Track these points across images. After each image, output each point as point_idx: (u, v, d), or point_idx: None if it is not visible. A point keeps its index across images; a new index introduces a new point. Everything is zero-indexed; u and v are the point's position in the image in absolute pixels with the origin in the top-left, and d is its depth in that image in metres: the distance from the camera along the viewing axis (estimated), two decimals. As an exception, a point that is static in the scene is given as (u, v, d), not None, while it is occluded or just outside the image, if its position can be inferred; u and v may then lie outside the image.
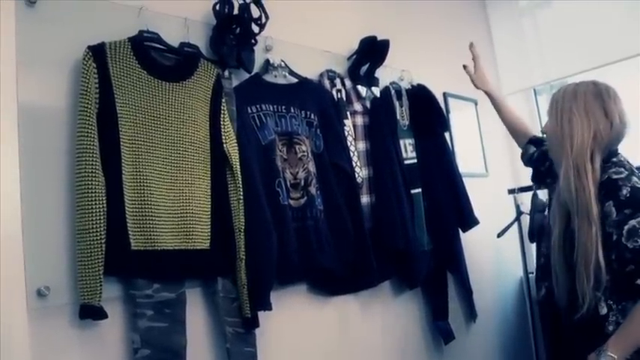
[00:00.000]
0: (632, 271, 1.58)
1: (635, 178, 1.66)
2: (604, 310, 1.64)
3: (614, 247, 1.59)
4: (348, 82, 2.44)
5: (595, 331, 1.64)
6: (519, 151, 2.28)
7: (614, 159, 1.71)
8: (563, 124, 1.72)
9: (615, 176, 1.65)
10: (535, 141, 2.18)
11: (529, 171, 3.45)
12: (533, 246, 2.73)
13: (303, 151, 2.10)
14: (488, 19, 3.69)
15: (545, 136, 1.88)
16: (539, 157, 2.09)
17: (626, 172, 1.67)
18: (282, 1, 2.26)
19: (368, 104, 2.48)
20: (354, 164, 2.27)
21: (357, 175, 2.27)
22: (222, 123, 1.88)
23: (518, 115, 2.38)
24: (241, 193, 1.84)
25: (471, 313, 2.86)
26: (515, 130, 2.33)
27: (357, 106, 2.43)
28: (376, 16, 2.77)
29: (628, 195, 1.61)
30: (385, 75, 2.62)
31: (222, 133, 1.87)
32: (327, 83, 2.34)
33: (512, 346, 3.18)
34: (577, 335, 1.71)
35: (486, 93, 2.44)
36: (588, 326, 1.64)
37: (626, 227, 1.58)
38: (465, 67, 2.50)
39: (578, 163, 1.66)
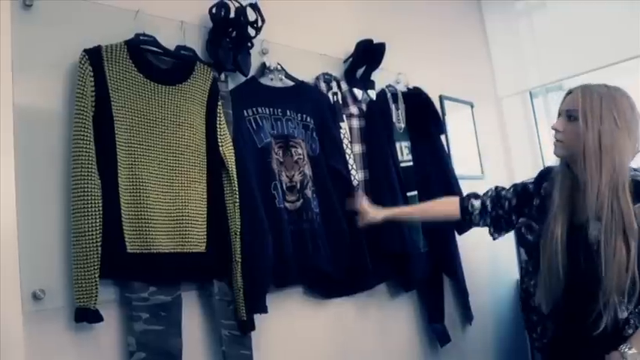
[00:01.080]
0: None
1: None
2: (624, 314, 1.64)
3: None
4: (344, 85, 2.45)
5: (613, 334, 1.64)
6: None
7: None
8: (603, 134, 1.63)
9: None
10: (473, 196, 2.08)
11: (525, 172, 3.50)
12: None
13: (299, 154, 2.11)
14: (484, 21, 3.70)
15: (559, 136, 1.76)
16: (493, 203, 2.01)
17: None
18: (278, 5, 2.27)
19: (364, 107, 2.48)
20: (350, 167, 2.27)
21: (352, 178, 2.27)
22: (218, 126, 1.88)
23: (429, 204, 2.21)
24: (237, 196, 1.84)
25: (467, 315, 2.87)
26: (441, 213, 2.18)
27: (353, 109, 2.43)
28: (372, 20, 2.78)
29: None
30: (381, 78, 2.63)
31: (219, 136, 1.87)
32: (323, 86, 2.34)
33: (508, 348, 3.18)
34: (591, 339, 1.69)
35: (390, 217, 2.19)
36: (604, 331, 1.64)
37: None
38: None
39: (619, 179, 1.62)
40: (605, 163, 1.63)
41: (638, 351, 1.56)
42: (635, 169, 1.69)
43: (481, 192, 2.08)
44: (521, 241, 1.94)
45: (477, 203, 2.04)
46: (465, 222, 2.08)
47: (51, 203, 1.58)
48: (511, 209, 1.96)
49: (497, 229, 2.04)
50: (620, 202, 1.60)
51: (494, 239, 2.08)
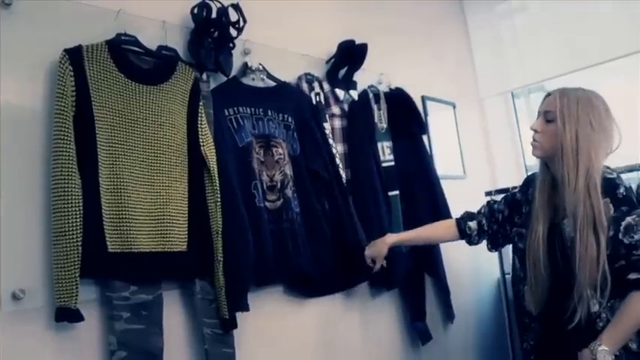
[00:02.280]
0: (622, 266, 1.63)
1: (622, 178, 1.73)
2: (596, 307, 1.67)
3: (609, 243, 1.63)
4: (326, 86, 2.46)
5: (585, 329, 1.67)
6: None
7: None
8: (580, 135, 1.69)
9: (609, 176, 1.70)
10: (468, 217, 2.11)
11: (507, 172, 3.54)
12: (509, 246, 2.77)
13: (280, 154, 2.12)
14: (466, 22, 3.73)
15: (537, 136, 1.80)
16: (488, 220, 2.06)
17: (615, 173, 1.73)
18: (260, 5, 2.27)
19: (346, 107, 2.50)
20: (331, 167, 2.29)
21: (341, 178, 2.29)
22: (199, 126, 1.89)
23: (429, 230, 2.20)
24: (218, 196, 1.85)
25: (448, 313, 2.89)
26: (442, 238, 2.26)
27: (336, 110, 2.45)
28: (354, 20, 2.79)
29: (624, 193, 1.68)
30: (363, 78, 2.65)
31: (200, 136, 1.88)
32: (305, 86, 2.36)
33: (489, 346, 3.21)
34: (565, 334, 1.72)
35: (393, 245, 2.17)
36: (579, 325, 1.67)
37: (623, 223, 1.64)
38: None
39: (593, 177, 1.66)
40: (581, 162, 1.68)
41: (607, 347, 1.60)
42: (606, 167, 1.74)
43: (475, 209, 2.13)
44: (514, 250, 1.98)
45: (473, 224, 2.09)
46: (466, 242, 2.13)
47: (31, 202, 1.58)
48: (505, 220, 2.01)
49: (495, 244, 2.10)
50: (593, 199, 1.65)
51: (492, 252, 2.14)
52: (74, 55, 1.66)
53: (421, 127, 2.79)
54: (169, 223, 1.75)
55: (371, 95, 2.60)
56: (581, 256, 1.63)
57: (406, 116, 2.71)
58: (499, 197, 2.99)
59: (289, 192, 2.10)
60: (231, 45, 2.05)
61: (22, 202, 1.57)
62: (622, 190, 1.69)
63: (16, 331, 1.51)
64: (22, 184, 1.58)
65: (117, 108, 1.72)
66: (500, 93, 3.66)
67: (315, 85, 2.40)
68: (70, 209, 1.55)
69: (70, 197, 1.55)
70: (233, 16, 2.01)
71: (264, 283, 2.07)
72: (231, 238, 1.85)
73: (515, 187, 2.08)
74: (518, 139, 3.69)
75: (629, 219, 1.64)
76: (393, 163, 2.60)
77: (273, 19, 2.37)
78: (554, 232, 1.75)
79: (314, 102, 2.34)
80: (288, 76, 2.33)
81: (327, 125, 2.34)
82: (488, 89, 3.64)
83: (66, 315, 1.54)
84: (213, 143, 1.91)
